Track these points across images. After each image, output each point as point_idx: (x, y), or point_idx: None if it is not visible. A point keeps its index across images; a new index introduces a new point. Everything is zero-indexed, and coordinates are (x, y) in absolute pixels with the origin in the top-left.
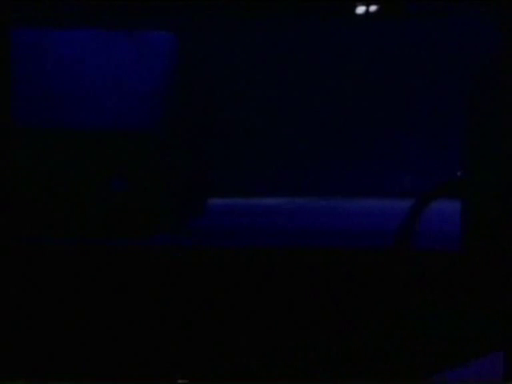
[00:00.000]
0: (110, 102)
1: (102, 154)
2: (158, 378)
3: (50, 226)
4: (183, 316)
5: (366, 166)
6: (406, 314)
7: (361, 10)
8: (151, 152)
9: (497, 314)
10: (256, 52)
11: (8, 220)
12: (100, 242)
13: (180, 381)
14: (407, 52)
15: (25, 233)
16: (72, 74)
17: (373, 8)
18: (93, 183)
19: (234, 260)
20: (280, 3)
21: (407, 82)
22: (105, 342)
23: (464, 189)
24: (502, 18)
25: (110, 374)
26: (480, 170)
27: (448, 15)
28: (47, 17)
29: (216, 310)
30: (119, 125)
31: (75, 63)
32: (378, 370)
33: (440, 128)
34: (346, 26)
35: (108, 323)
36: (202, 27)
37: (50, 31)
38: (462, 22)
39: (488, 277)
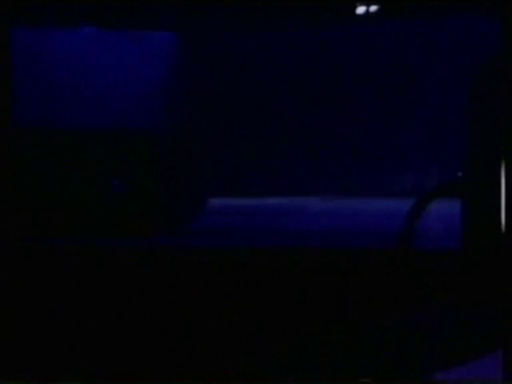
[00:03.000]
0: (109, 102)
1: (101, 154)
2: (159, 378)
3: (49, 227)
4: (183, 316)
5: (366, 166)
6: (406, 313)
7: (361, 9)
8: (151, 152)
9: (497, 313)
10: (256, 51)
11: (8, 220)
12: (99, 242)
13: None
14: (407, 51)
15: (24, 233)
16: (71, 74)
17: (373, 8)
18: (92, 183)
19: (233, 260)
20: (278, 3)
21: (407, 82)
22: (104, 343)
23: (464, 189)
24: (502, 17)
25: (110, 374)
26: (480, 170)
27: (448, 15)
28: (47, 17)
29: (216, 311)
30: (119, 125)
31: (74, 63)
32: (377, 370)
33: (440, 128)
34: (346, 25)
35: (107, 324)
36: (202, 27)
37: (49, 31)
38: (462, 21)
39: (488, 276)
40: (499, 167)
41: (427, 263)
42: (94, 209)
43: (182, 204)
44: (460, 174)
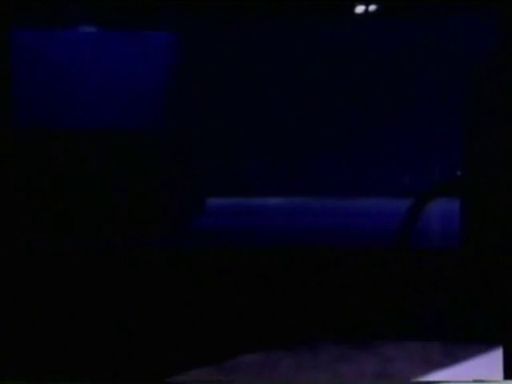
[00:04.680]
0: (109, 102)
1: (101, 155)
2: (160, 378)
3: (49, 227)
4: (183, 317)
5: (366, 165)
6: (406, 313)
7: (360, 9)
8: (150, 152)
9: (496, 312)
10: (255, 51)
11: (8, 221)
12: (100, 242)
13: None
14: (407, 51)
15: (25, 234)
16: (71, 74)
17: (372, 7)
18: (92, 184)
19: (233, 260)
20: (278, 3)
21: (407, 81)
22: (104, 343)
23: (464, 188)
24: (502, 17)
25: (109, 374)
26: (480, 169)
27: (448, 15)
28: (47, 17)
29: (215, 311)
30: (119, 125)
31: (74, 63)
32: (377, 370)
33: (440, 127)
34: (345, 25)
35: (107, 324)
36: (202, 27)
37: (48, 31)
38: (462, 21)
39: (487, 276)
40: (498, 166)
41: (426, 262)
42: (93, 209)
43: (183, 204)
44: (459, 172)
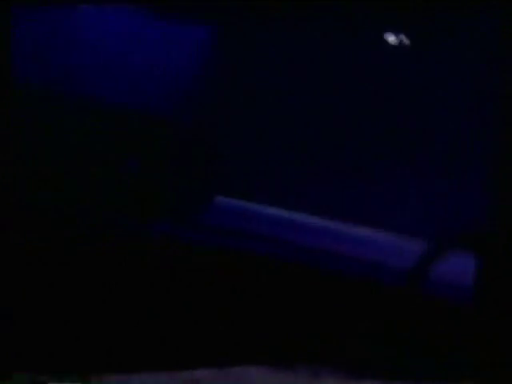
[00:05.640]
0: (133, 82)
1: (120, 134)
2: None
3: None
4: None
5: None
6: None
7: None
8: (168, 137)
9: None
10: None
11: (15, 201)
12: (109, 222)
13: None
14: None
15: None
16: (100, 48)
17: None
18: (106, 162)
19: (233, 260)
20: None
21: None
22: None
23: (481, 242)
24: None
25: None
26: (501, 227)
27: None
28: None
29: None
30: (140, 106)
31: (105, 38)
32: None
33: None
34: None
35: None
36: (231, 19)
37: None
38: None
39: (500, 334)
40: None
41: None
42: (106, 187)
43: (191, 195)
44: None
